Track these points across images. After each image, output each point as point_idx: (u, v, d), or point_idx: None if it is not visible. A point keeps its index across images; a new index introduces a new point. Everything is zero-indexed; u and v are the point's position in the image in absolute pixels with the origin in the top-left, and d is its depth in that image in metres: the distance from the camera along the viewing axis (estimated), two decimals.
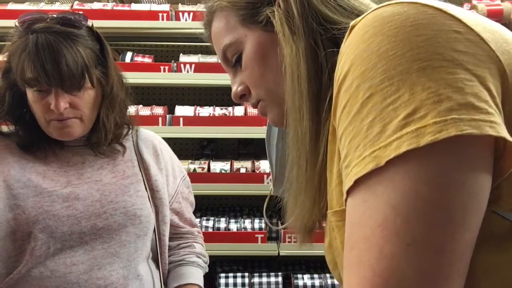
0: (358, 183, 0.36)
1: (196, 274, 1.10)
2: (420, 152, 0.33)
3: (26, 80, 0.87)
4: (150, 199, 1.02)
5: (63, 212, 0.90)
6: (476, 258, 0.35)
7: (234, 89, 0.61)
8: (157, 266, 1.07)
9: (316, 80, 0.48)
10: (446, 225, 0.33)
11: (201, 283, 1.09)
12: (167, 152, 1.14)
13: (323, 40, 0.49)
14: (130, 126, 1.06)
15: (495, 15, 2.05)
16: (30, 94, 0.91)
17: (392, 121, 0.34)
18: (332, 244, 0.50)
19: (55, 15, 0.92)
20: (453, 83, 0.34)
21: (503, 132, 0.33)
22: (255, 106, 0.60)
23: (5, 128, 0.98)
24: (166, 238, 1.06)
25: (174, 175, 1.12)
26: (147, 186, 1.02)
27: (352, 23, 0.42)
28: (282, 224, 0.61)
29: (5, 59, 0.94)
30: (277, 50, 0.52)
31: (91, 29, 0.96)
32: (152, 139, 1.11)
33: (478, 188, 0.34)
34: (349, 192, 0.38)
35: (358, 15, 0.45)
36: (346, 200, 0.39)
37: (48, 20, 0.90)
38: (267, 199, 0.71)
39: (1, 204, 0.87)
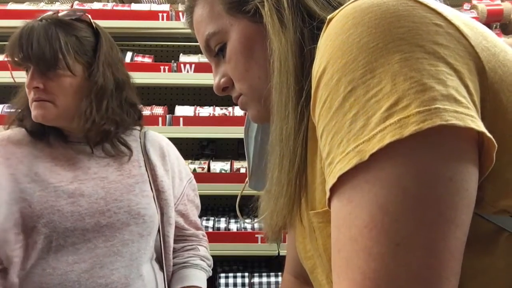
0: (342, 180, 0.35)
1: (199, 277, 1.09)
2: (404, 144, 0.32)
3: (10, 55, 0.92)
4: (156, 200, 1.02)
5: (68, 208, 0.91)
6: (463, 261, 0.34)
7: (216, 81, 0.58)
8: (161, 268, 1.07)
9: (301, 76, 0.46)
10: (436, 223, 0.31)
11: (204, 285, 1.09)
12: (174, 154, 1.14)
13: (308, 36, 0.47)
14: (139, 127, 1.08)
15: (495, 15, 2.05)
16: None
17: (375, 114, 0.33)
18: (313, 246, 0.49)
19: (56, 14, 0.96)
20: (435, 75, 0.33)
21: (483, 127, 0.33)
22: (236, 99, 0.58)
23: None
24: (171, 240, 1.06)
25: (180, 177, 1.12)
26: (153, 187, 1.03)
27: (329, 16, 0.40)
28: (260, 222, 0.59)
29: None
30: (263, 43, 0.50)
31: (90, 24, 0.99)
32: (160, 140, 1.12)
33: (466, 183, 0.33)
34: (333, 190, 0.36)
35: None
36: (329, 199, 0.37)
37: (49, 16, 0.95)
38: (239, 195, 0.69)
39: (7, 197, 0.88)
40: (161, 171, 1.06)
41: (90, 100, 0.95)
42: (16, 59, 0.91)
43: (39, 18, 0.94)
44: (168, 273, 1.07)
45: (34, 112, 0.93)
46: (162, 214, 1.03)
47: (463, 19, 0.38)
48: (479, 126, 0.32)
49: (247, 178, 0.70)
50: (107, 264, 0.93)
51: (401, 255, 0.31)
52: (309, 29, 0.47)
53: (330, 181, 0.36)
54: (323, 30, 0.41)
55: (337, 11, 0.40)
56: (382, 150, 0.32)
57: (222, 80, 0.57)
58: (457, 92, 0.33)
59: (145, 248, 0.99)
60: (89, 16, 1.00)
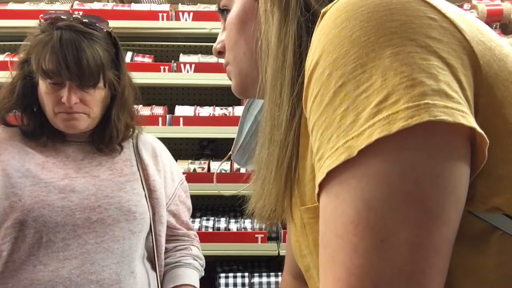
0: (331, 176, 0.34)
1: (191, 276, 1.10)
2: (392, 140, 0.31)
3: (46, 71, 0.91)
4: (147, 199, 1.03)
5: (58, 202, 0.91)
6: (454, 259, 0.34)
7: (215, 43, 0.60)
8: (153, 267, 1.07)
9: (296, 70, 0.45)
10: (421, 220, 0.31)
11: (197, 284, 1.10)
12: (166, 155, 1.16)
13: (304, 28, 0.46)
14: (136, 128, 1.10)
15: (495, 15, 2.05)
16: (44, 86, 0.94)
17: (365, 109, 0.33)
18: (304, 242, 0.49)
19: (78, 16, 0.96)
20: (427, 69, 0.32)
21: (474, 123, 0.32)
22: (225, 66, 0.58)
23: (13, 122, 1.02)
24: (162, 239, 1.07)
25: (172, 178, 1.14)
26: (144, 186, 1.04)
27: (323, 9, 0.40)
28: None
29: (24, 51, 0.98)
30: (257, 22, 0.49)
31: (109, 33, 1.01)
32: (152, 141, 1.15)
33: (455, 179, 0.32)
34: (322, 186, 0.36)
35: None
36: (318, 194, 0.37)
37: (71, 19, 0.95)
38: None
39: None
40: (153, 170, 1.07)
41: (118, 110, 1.01)
42: (52, 75, 0.91)
43: (64, 23, 0.92)
44: (160, 272, 1.08)
45: (65, 123, 0.95)
46: (154, 213, 1.04)
47: (458, 13, 0.37)
48: (470, 121, 0.32)
49: (230, 152, 0.71)
50: (98, 260, 0.93)
51: (385, 252, 0.31)
52: (304, 20, 0.46)
53: (319, 176, 0.36)
54: (317, 24, 0.40)
55: (331, 4, 0.39)
56: (370, 146, 0.32)
57: (219, 45, 0.59)
58: (449, 86, 0.32)
59: (136, 245, 1.00)
60: (111, 27, 1.03)
